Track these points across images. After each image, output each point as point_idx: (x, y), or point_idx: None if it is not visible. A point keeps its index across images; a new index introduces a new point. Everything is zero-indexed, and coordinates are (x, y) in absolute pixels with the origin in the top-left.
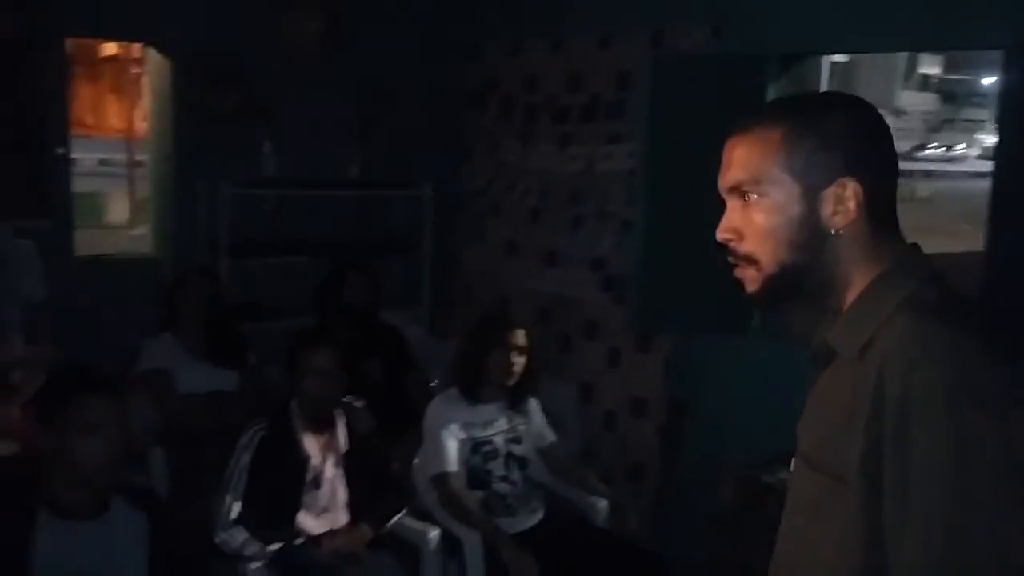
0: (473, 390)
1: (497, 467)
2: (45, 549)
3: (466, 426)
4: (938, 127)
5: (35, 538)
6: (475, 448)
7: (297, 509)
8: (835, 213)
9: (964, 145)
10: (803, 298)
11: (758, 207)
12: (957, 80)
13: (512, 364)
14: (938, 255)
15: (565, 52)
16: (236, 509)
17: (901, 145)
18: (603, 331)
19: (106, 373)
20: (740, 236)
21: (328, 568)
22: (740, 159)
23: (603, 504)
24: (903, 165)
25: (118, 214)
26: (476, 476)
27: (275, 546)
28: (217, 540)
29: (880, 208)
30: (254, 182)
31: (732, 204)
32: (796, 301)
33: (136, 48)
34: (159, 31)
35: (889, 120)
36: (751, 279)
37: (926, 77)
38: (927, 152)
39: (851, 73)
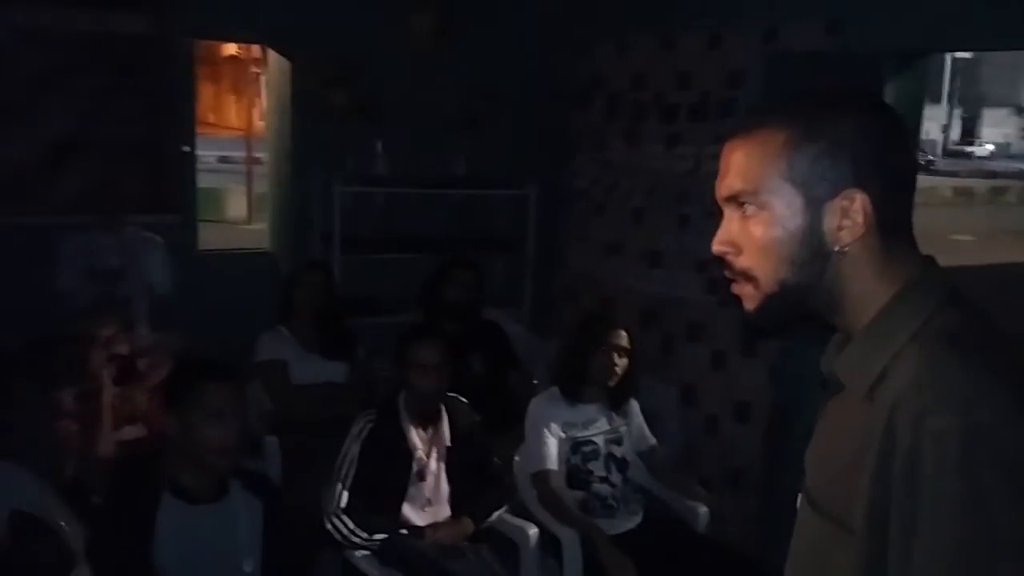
0: (574, 390)
1: (597, 467)
2: (167, 529)
3: (566, 425)
4: None
5: (159, 518)
6: (575, 447)
7: (402, 501)
8: (841, 228)
9: None
10: (809, 319)
11: (756, 220)
12: None
13: (614, 365)
14: None
15: (675, 50)
16: (345, 498)
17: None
18: (707, 333)
19: (229, 363)
20: (737, 250)
21: (431, 560)
22: (738, 166)
23: (703, 510)
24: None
25: (236, 210)
26: (576, 476)
27: (380, 536)
28: (327, 527)
29: (893, 222)
30: (366, 180)
31: (729, 214)
32: (801, 322)
33: (256, 49)
34: (280, 33)
35: (1013, 120)
36: (749, 296)
37: None
38: None
39: (974, 71)
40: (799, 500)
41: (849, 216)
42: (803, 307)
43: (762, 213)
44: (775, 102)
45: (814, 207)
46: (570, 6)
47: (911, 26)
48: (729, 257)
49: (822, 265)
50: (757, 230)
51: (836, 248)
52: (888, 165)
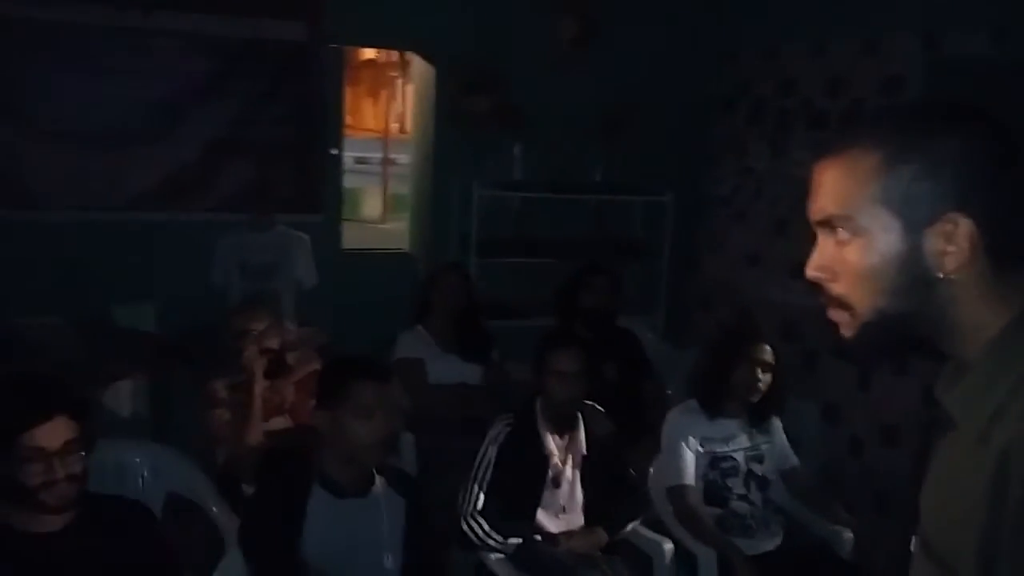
0: (714, 404)
1: (736, 485)
2: (316, 521)
3: (705, 440)
4: None
5: (308, 510)
6: (713, 463)
7: (537, 506)
8: (944, 254)
9: None
10: (918, 348)
11: (851, 245)
12: None
13: (757, 380)
14: None
15: (826, 55)
16: (481, 500)
17: None
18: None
19: (380, 361)
20: (833, 275)
21: (565, 567)
22: (831, 188)
23: (848, 535)
24: None
25: (371, 209)
26: (714, 492)
27: (515, 540)
28: (463, 527)
29: (1007, 247)
30: (504, 184)
31: (823, 238)
32: (908, 350)
33: (393, 53)
34: (425, 40)
35: None
36: (846, 324)
37: None
38: None
39: None
40: (914, 542)
41: (953, 241)
42: (906, 336)
43: (857, 239)
44: (871, 118)
45: (913, 232)
46: (716, 12)
47: None
48: (825, 283)
49: (925, 293)
50: (852, 256)
51: (939, 275)
52: (998, 186)
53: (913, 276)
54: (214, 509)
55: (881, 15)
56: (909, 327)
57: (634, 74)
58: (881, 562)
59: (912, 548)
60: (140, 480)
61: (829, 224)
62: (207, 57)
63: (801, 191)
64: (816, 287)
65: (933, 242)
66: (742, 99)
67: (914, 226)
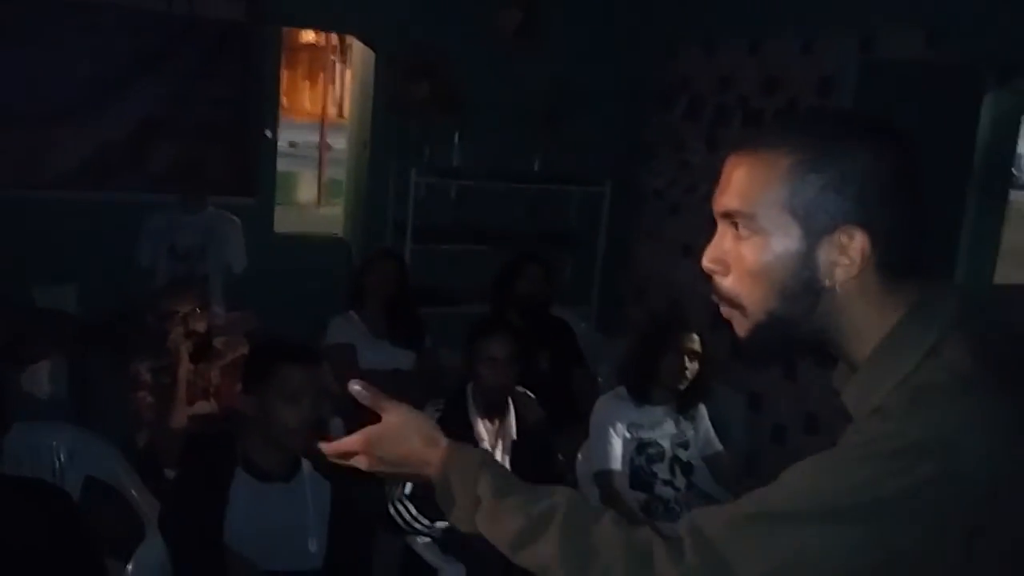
0: (642, 391)
1: (662, 470)
2: (239, 505)
3: (632, 426)
4: None
5: (231, 494)
6: (640, 449)
7: None
8: (836, 264)
9: None
10: (810, 351)
11: (749, 243)
12: None
13: (685, 368)
14: None
15: (763, 54)
16: (409, 485)
17: None
18: None
19: (306, 345)
20: (726, 269)
21: (491, 550)
22: (738, 184)
23: None
24: None
25: (306, 194)
26: (639, 477)
27: (442, 524)
28: (390, 511)
29: (896, 262)
30: (442, 171)
31: (722, 230)
32: (800, 353)
33: (333, 36)
34: (366, 24)
35: None
36: (739, 324)
37: None
38: None
39: None
40: None
41: (846, 253)
42: (795, 340)
43: (755, 237)
44: (789, 120)
45: (811, 239)
46: (657, 7)
47: (1013, 38)
48: (717, 276)
49: (813, 300)
50: (748, 254)
51: (827, 284)
52: (898, 204)
53: (803, 282)
54: (134, 493)
55: (818, 15)
56: (798, 331)
57: (575, 65)
58: None
59: None
60: (57, 463)
61: (731, 218)
62: (140, 33)
63: None
64: (709, 279)
65: (827, 252)
66: (680, 94)
67: (812, 234)
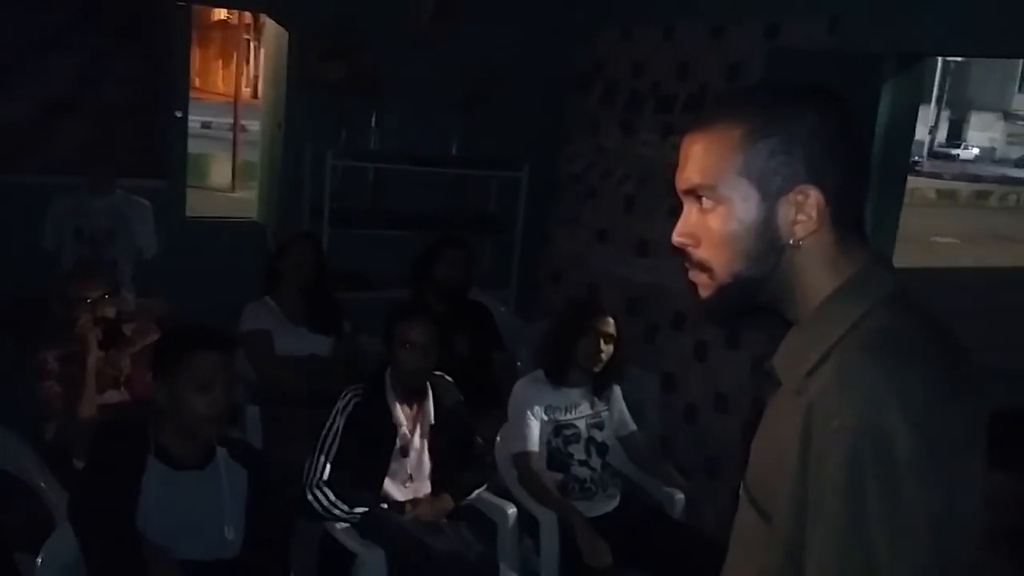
0: (559, 373)
1: (578, 451)
2: (152, 494)
3: (549, 408)
4: None
5: (143, 482)
6: (557, 430)
7: (384, 476)
8: (796, 222)
9: None
10: (763, 311)
11: (713, 213)
12: None
13: (600, 351)
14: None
15: (675, 40)
16: (327, 471)
17: (1012, 151)
18: (692, 324)
19: (218, 331)
20: (696, 241)
21: (410, 535)
22: (696, 160)
23: (679, 496)
24: (1013, 172)
25: (220, 177)
26: (556, 458)
27: (361, 509)
28: (308, 498)
29: (846, 216)
30: (359, 154)
31: (688, 206)
32: (754, 313)
33: (247, 15)
34: (279, 2)
35: (1000, 124)
36: (704, 285)
37: None
38: None
39: (964, 74)
40: (741, 488)
41: (804, 211)
42: (756, 298)
43: (719, 207)
44: (734, 95)
45: (769, 202)
46: None
47: (911, 28)
48: (688, 248)
49: (777, 258)
50: (714, 223)
51: (790, 241)
52: (843, 160)
53: (768, 242)
54: (42, 484)
55: (727, 2)
56: (760, 290)
57: (494, 49)
58: (709, 519)
59: (740, 498)
60: None
61: (694, 193)
62: (45, 10)
63: (648, 171)
64: (681, 252)
65: (786, 211)
66: (597, 79)
67: (770, 196)
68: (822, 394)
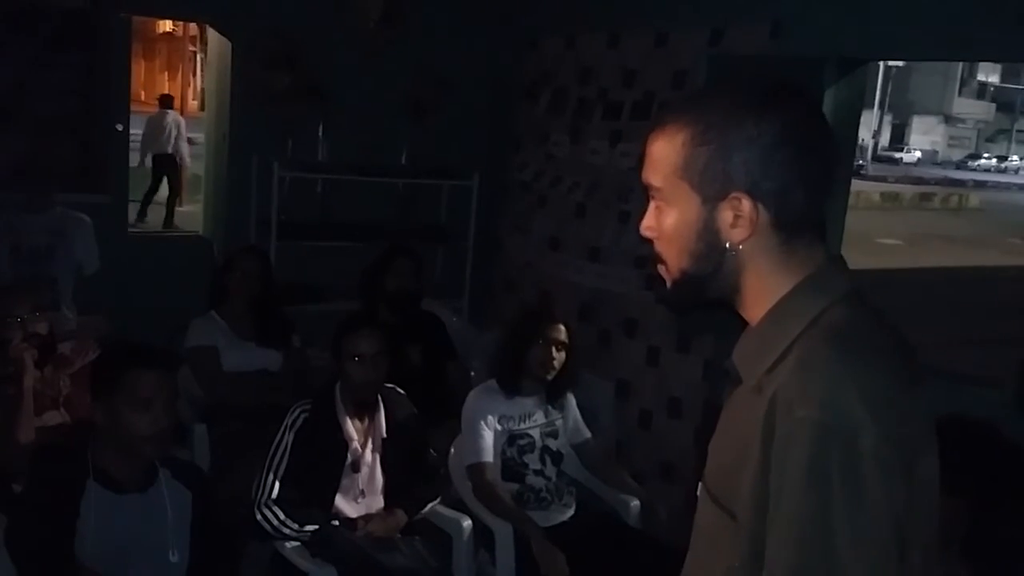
0: (512, 383)
1: (532, 460)
2: (92, 518)
3: (503, 418)
4: (993, 137)
5: (83, 507)
6: (511, 440)
7: (335, 492)
8: (732, 227)
9: (1018, 157)
10: (721, 306)
11: (664, 211)
12: (1015, 89)
13: (552, 359)
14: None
15: (621, 48)
16: (276, 489)
17: (953, 154)
18: (644, 329)
19: (158, 349)
20: (657, 235)
21: (362, 551)
22: (651, 159)
23: (635, 503)
24: (955, 175)
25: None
26: (511, 468)
27: (312, 527)
28: (257, 517)
29: (793, 221)
30: (306, 165)
31: (652, 201)
32: (712, 307)
33: (192, 26)
34: (221, 12)
35: (941, 128)
36: (664, 277)
37: (983, 85)
38: (980, 162)
39: (906, 78)
40: (699, 488)
41: (740, 217)
42: (706, 295)
43: (667, 207)
44: (690, 98)
45: (708, 205)
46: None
47: (850, 33)
48: (654, 240)
49: (719, 259)
50: (665, 221)
51: (728, 246)
52: (784, 166)
53: (708, 244)
54: None
55: (672, 9)
56: (709, 288)
57: (441, 57)
58: (664, 524)
59: (699, 498)
60: None
61: (650, 190)
62: None
63: (597, 178)
64: (638, 255)
65: (723, 216)
66: (544, 86)
67: (709, 200)
68: (784, 387)
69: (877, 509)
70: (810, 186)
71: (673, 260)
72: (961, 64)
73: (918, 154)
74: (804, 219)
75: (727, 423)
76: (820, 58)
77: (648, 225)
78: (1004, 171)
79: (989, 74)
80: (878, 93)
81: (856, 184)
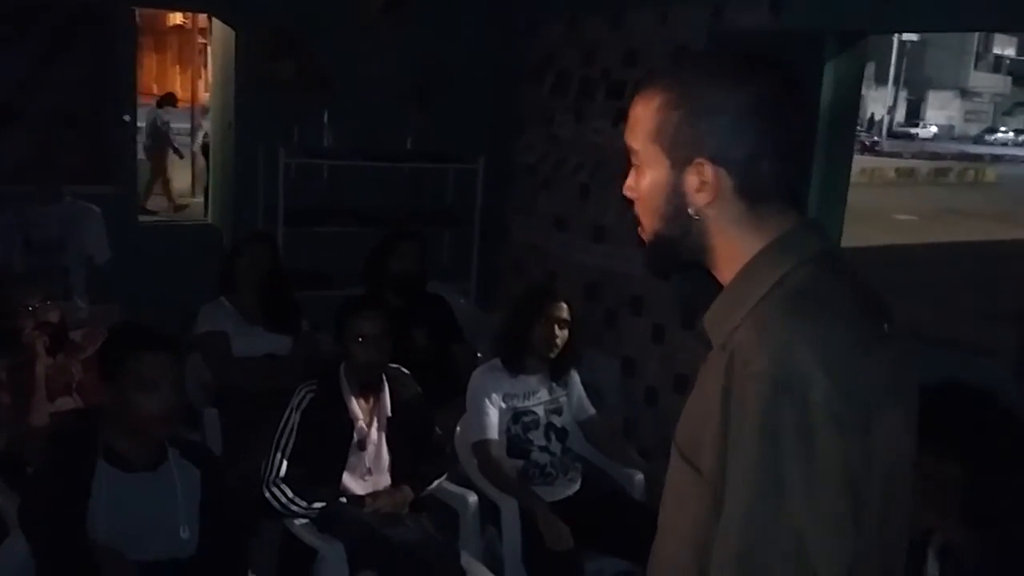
0: (516, 361)
1: (537, 437)
2: (103, 497)
3: (507, 396)
4: (1010, 110)
5: (94, 486)
6: (516, 417)
7: (342, 470)
8: (697, 192)
9: None
10: (693, 268)
11: (640, 173)
12: None
13: (555, 336)
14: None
15: (623, 27)
16: (284, 467)
17: (970, 129)
18: (649, 307)
19: (162, 332)
20: (635, 195)
21: (370, 527)
22: (631, 121)
23: (639, 477)
24: (972, 149)
25: (180, 182)
26: (516, 445)
27: (319, 504)
28: (266, 495)
29: (760, 188)
30: (311, 152)
31: (633, 164)
32: (690, 269)
33: (202, 18)
34: (224, 1)
35: (957, 102)
36: (643, 237)
37: (999, 58)
38: (997, 136)
39: (921, 52)
40: (672, 445)
41: (704, 183)
42: (680, 257)
43: (642, 168)
44: (675, 64)
45: (676, 170)
46: None
47: (853, 7)
48: (633, 200)
49: (686, 223)
50: (640, 182)
51: (693, 211)
52: (751, 134)
53: (676, 207)
54: None
55: None
56: (681, 251)
57: (444, 41)
58: None
59: (670, 455)
60: None
61: (630, 152)
62: None
63: (601, 158)
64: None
65: (689, 180)
66: (547, 68)
67: (677, 165)
68: (740, 344)
69: (828, 460)
70: (778, 156)
71: (647, 222)
72: (977, 37)
73: (934, 129)
74: (770, 187)
75: (698, 382)
76: (820, 32)
77: (628, 186)
78: (1022, 144)
79: (1005, 47)
80: (892, 68)
81: (871, 160)
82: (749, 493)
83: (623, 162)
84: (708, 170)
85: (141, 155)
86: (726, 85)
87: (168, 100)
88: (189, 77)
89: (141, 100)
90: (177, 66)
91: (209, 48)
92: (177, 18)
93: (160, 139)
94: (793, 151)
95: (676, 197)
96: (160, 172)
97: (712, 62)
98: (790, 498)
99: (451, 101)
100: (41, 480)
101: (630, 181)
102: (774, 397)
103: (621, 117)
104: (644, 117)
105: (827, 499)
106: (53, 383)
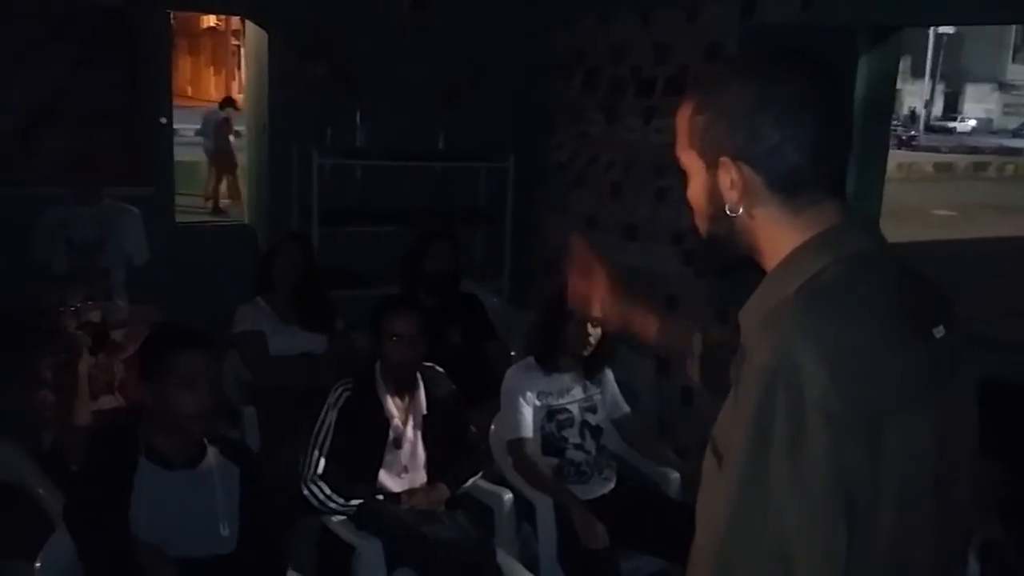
0: (549, 359)
1: (572, 435)
2: (144, 494)
3: (542, 394)
4: None
5: (135, 483)
6: (550, 415)
7: (378, 467)
8: (729, 191)
9: None
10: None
11: (689, 180)
12: None
13: (587, 335)
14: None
15: (653, 23)
16: (321, 465)
17: (1009, 122)
18: (683, 305)
19: (200, 331)
20: (691, 201)
21: (406, 524)
22: (677, 133)
23: (675, 475)
24: (1011, 143)
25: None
26: (551, 443)
27: (356, 501)
28: (304, 492)
29: (793, 184)
30: (345, 152)
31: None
32: (743, 265)
33: (236, 20)
34: (256, 3)
35: (995, 95)
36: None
37: None
38: None
39: (958, 46)
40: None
41: (733, 181)
42: (731, 255)
43: (689, 175)
44: (710, 71)
45: (710, 172)
46: None
47: (885, 0)
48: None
49: (728, 221)
50: (688, 187)
51: (730, 208)
52: (768, 130)
53: (716, 207)
54: (40, 492)
55: None
56: (730, 249)
57: (474, 40)
58: None
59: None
60: None
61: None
62: (19, 22)
63: (632, 156)
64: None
65: (723, 180)
66: (577, 67)
67: (710, 167)
68: (751, 337)
69: (815, 459)
70: (801, 147)
71: (699, 224)
72: (1015, 30)
73: (972, 123)
74: (801, 179)
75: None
76: (852, 26)
77: (688, 194)
78: None
79: None
80: (929, 62)
81: (908, 155)
82: (738, 481)
83: (654, 160)
84: (734, 167)
85: (203, 157)
86: (738, 83)
87: (229, 103)
88: (223, 79)
89: (178, 102)
90: (211, 68)
91: (242, 50)
92: (211, 20)
93: (222, 141)
94: (819, 141)
95: (715, 198)
96: (227, 171)
97: (736, 63)
98: (775, 491)
99: (481, 100)
100: (85, 478)
101: (686, 189)
102: (770, 390)
103: (652, 114)
104: (681, 126)
105: (813, 498)
106: (96, 382)
